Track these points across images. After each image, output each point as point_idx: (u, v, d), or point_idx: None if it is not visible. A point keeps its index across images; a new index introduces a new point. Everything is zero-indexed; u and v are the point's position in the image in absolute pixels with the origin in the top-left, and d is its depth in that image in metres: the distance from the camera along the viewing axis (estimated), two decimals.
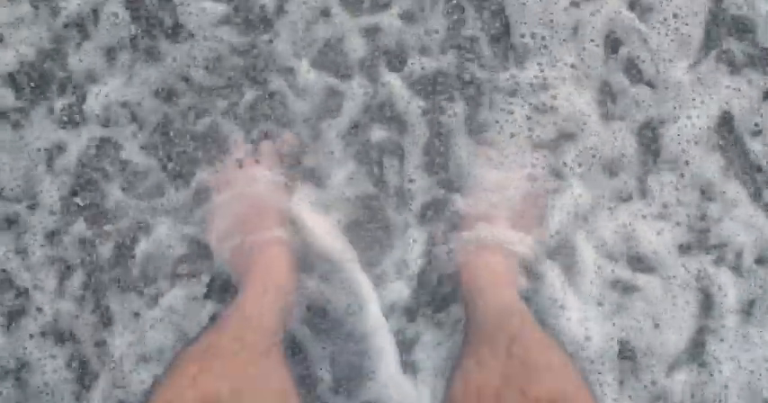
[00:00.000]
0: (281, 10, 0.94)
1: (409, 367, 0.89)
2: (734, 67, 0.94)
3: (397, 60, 0.94)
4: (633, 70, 0.94)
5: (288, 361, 0.74)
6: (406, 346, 0.90)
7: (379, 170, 0.93)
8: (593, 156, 0.92)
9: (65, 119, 0.93)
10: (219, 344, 0.66)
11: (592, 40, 0.93)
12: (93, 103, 0.93)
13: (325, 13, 0.94)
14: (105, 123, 0.93)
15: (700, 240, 0.93)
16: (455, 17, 0.94)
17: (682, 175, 0.93)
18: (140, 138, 0.94)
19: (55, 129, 0.93)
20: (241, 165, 0.90)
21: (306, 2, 0.94)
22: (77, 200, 0.93)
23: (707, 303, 0.92)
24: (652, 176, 0.93)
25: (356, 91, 0.93)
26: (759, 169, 0.93)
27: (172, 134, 0.94)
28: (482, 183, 0.90)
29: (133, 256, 0.92)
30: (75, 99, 0.94)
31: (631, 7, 0.95)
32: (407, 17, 0.94)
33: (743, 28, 0.95)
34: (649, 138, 0.93)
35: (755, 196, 0.93)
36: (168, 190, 0.93)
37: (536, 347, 0.64)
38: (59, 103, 0.93)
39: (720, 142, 0.93)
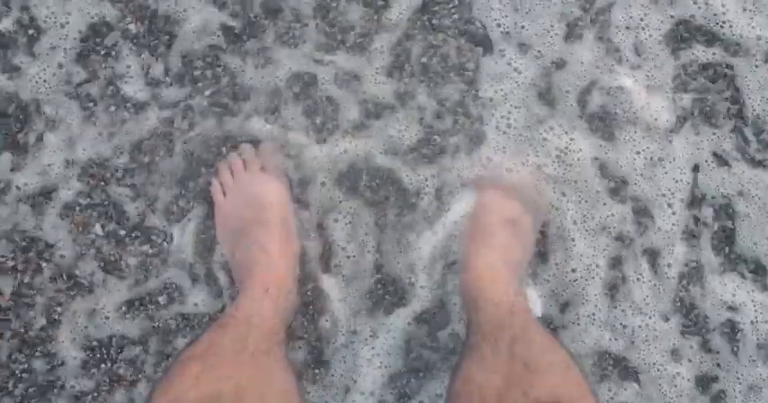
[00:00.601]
0: None
1: (409, 367, 0.90)
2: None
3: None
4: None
5: (290, 360, 0.74)
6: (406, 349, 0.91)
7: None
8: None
9: None
10: (221, 344, 0.66)
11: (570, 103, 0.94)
12: None
13: None
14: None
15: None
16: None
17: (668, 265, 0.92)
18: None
19: None
20: (244, 167, 0.90)
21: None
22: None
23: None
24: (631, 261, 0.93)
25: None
26: (744, 258, 0.93)
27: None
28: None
29: None
30: None
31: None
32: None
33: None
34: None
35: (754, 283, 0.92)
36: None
37: (538, 347, 0.64)
38: None
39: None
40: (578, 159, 0.93)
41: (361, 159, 0.93)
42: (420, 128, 0.93)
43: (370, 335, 0.90)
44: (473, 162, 0.92)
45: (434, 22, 0.95)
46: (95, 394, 0.89)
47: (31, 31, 0.94)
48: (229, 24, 0.95)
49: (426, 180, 0.92)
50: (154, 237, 0.92)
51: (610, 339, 0.90)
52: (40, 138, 0.93)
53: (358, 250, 0.91)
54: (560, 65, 0.94)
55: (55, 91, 0.93)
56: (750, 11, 0.95)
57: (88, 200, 0.92)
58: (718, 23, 0.95)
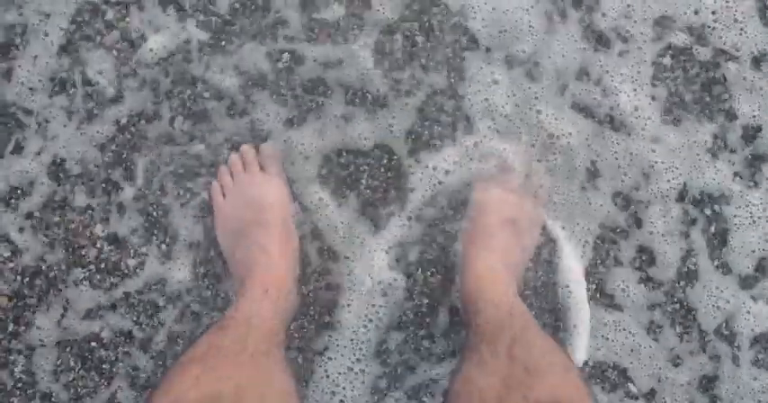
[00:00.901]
0: None
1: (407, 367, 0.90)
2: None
3: None
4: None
5: (289, 361, 0.74)
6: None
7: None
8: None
9: None
10: (221, 345, 0.66)
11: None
12: None
13: None
14: None
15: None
16: None
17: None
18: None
19: None
20: (244, 168, 0.90)
21: None
22: None
23: None
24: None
25: None
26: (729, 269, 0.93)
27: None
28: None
29: None
30: None
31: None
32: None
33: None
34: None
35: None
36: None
37: (537, 350, 0.64)
38: None
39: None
40: (569, 157, 0.93)
41: (353, 151, 0.93)
42: (412, 118, 0.93)
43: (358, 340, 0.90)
44: (468, 155, 0.92)
45: (429, 20, 0.96)
46: (94, 394, 0.90)
47: (15, 33, 0.95)
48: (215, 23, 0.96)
49: (421, 173, 0.92)
50: (151, 237, 0.92)
51: (598, 349, 0.90)
52: (24, 140, 0.93)
53: (352, 248, 0.91)
54: (552, 62, 0.95)
55: (39, 93, 0.94)
56: (740, 22, 0.96)
57: (86, 201, 0.93)
58: (709, 26, 0.96)
